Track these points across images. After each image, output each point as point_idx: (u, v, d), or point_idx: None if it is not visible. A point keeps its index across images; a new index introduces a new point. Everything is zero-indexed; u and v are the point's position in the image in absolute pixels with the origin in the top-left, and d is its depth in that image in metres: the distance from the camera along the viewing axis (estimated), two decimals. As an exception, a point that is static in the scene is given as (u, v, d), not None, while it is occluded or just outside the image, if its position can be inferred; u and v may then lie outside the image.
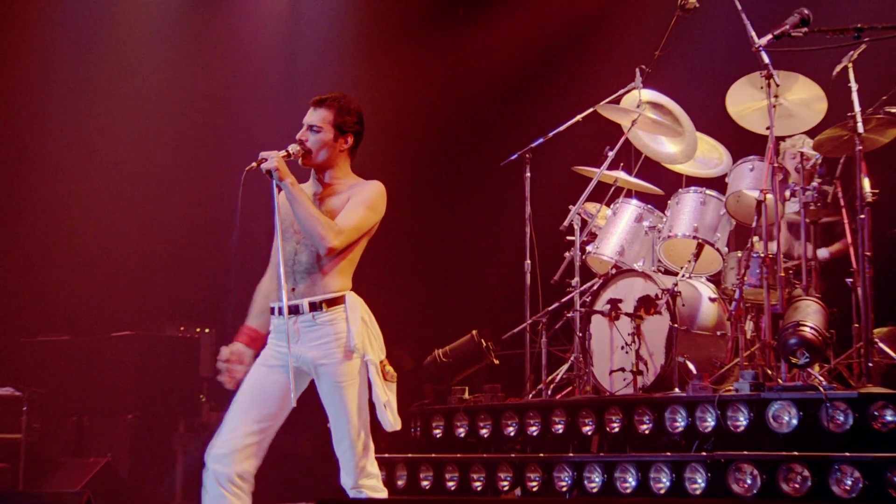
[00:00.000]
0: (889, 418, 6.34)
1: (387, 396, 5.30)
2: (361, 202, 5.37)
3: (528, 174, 8.50)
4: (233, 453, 5.29)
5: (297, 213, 5.27)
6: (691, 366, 7.49)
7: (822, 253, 8.07)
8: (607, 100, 8.40)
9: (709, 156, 8.86)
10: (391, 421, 5.29)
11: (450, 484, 7.65)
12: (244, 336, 5.50)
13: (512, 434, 7.77)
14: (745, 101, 7.89)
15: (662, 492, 6.70)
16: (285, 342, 5.34)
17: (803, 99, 7.80)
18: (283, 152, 5.37)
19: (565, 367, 8.22)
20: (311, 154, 5.42)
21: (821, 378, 6.81)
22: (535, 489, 7.28)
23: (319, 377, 5.36)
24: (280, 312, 5.37)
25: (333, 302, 5.32)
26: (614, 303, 7.82)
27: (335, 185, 5.46)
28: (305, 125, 5.44)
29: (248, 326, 5.52)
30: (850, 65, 7.27)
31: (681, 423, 6.96)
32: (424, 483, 7.76)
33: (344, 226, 5.30)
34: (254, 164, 5.30)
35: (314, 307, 5.31)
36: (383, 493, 5.43)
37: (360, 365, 5.29)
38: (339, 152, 5.44)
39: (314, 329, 5.32)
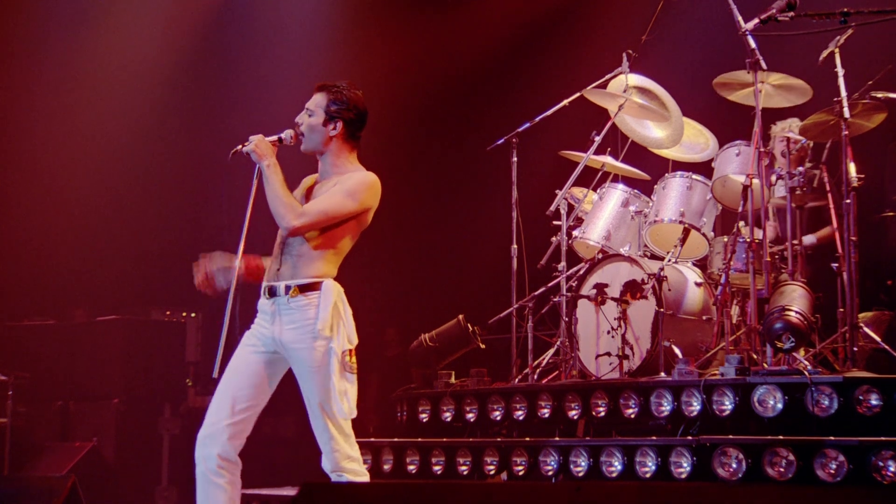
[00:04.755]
0: (874, 402, 6.36)
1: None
2: (340, 190, 5.42)
3: (515, 159, 8.49)
4: (214, 435, 5.35)
5: (266, 192, 5.37)
6: (677, 350, 7.49)
7: (809, 239, 8.08)
8: (594, 84, 8.39)
9: (695, 140, 8.86)
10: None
11: (436, 468, 7.65)
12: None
13: (498, 418, 7.77)
14: (733, 81, 7.84)
15: (648, 476, 6.71)
16: (268, 323, 5.41)
17: (788, 84, 7.77)
18: (275, 137, 5.47)
19: (551, 351, 8.22)
20: (303, 137, 5.49)
21: (806, 362, 6.82)
22: (521, 473, 7.29)
23: (292, 361, 5.41)
24: (266, 292, 5.43)
25: (308, 287, 5.36)
26: (600, 287, 7.82)
27: (334, 172, 5.52)
28: (305, 108, 5.54)
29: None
30: (837, 50, 7.27)
31: (667, 408, 6.97)
32: (411, 467, 7.76)
33: (308, 209, 5.37)
34: (239, 146, 5.42)
35: (289, 290, 5.37)
36: (364, 477, 5.46)
37: (329, 351, 5.31)
38: (330, 138, 5.49)
39: (288, 312, 5.38)
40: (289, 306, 5.37)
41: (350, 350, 5.37)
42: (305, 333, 5.34)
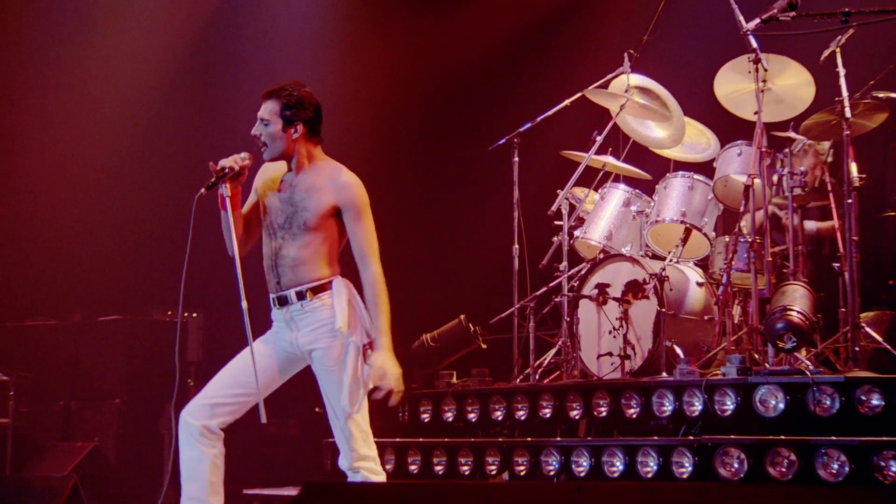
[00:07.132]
0: (875, 402, 6.36)
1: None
2: (357, 215, 5.41)
3: (517, 159, 8.49)
4: (203, 408, 5.36)
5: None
6: (679, 350, 7.49)
7: (811, 224, 8.07)
8: (595, 84, 8.39)
9: (696, 140, 8.86)
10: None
11: (438, 468, 7.66)
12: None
13: (500, 418, 7.78)
14: (733, 85, 7.85)
15: (650, 476, 6.71)
16: (284, 330, 5.46)
17: (792, 84, 7.77)
18: (236, 162, 5.39)
19: (553, 351, 8.22)
20: (267, 148, 5.47)
21: (808, 362, 6.82)
22: (522, 473, 7.29)
23: (312, 362, 5.45)
24: (276, 303, 5.46)
25: (319, 289, 5.39)
26: (602, 287, 7.82)
27: (307, 172, 5.49)
28: (258, 119, 5.49)
29: None
30: (838, 49, 7.27)
31: (668, 408, 6.97)
32: (412, 467, 7.77)
33: (369, 251, 5.40)
34: (207, 184, 5.45)
35: (301, 296, 5.39)
36: (380, 476, 5.48)
37: (348, 348, 5.32)
38: (293, 141, 5.46)
39: (304, 316, 5.41)
40: (303, 311, 5.39)
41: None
42: (324, 333, 5.36)
